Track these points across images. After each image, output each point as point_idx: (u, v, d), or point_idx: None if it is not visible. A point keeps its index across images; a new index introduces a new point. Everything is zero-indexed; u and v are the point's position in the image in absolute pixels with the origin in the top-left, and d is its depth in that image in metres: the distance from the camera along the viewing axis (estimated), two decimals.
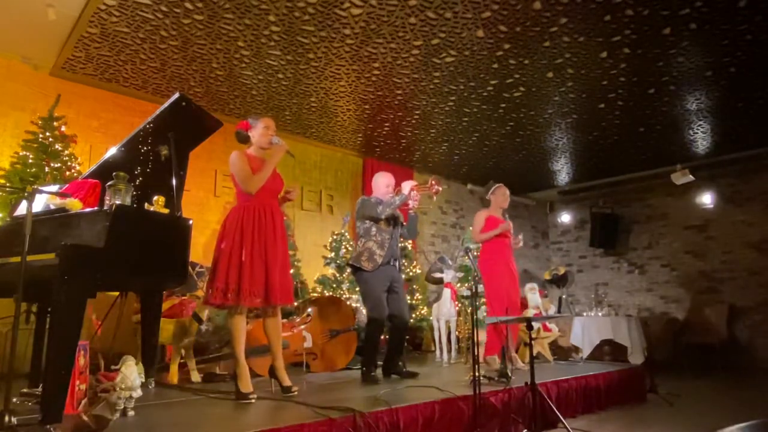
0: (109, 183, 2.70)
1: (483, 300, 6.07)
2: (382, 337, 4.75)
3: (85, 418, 2.14)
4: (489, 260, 4.74)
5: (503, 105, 5.93)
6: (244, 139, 3.33)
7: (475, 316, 3.18)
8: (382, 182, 4.28)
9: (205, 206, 5.99)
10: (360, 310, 5.54)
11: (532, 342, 3.62)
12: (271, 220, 3.15)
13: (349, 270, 6.09)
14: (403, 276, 4.85)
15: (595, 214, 9.20)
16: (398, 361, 4.17)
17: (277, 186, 3.32)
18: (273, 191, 3.27)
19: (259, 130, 3.25)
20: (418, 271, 7.20)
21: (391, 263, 4.11)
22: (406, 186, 4.07)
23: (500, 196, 4.89)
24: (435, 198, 4.16)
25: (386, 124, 6.53)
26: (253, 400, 2.95)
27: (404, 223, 4.29)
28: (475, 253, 5.42)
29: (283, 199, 3.40)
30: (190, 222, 2.98)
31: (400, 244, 4.31)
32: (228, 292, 2.97)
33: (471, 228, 7.17)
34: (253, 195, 3.13)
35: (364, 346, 4.10)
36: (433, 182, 4.00)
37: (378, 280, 4.01)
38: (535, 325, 5.20)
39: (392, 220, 4.17)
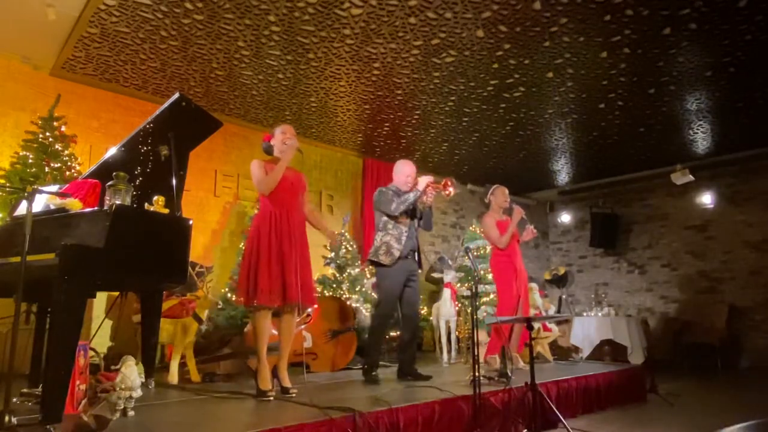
0: (109, 183, 2.71)
1: (482, 300, 6.09)
2: (392, 333, 4.70)
3: (85, 418, 2.14)
4: (500, 262, 4.75)
5: (503, 105, 5.93)
6: (268, 150, 3.46)
7: (475, 316, 3.18)
8: (403, 171, 4.20)
9: (205, 206, 5.98)
10: (360, 310, 5.54)
11: (532, 342, 3.62)
12: (287, 222, 3.22)
13: (348, 270, 6.10)
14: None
15: (595, 214, 9.19)
16: (413, 358, 4.10)
17: (297, 187, 3.36)
18: (293, 192, 3.32)
19: (278, 137, 3.41)
20: (419, 271, 7.18)
21: (409, 256, 4.09)
22: (422, 182, 4.03)
23: (500, 196, 4.91)
24: (448, 197, 4.16)
25: (386, 124, 6.53)
26: (271, 398, 3.00)
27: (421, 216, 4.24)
28: (475, 253, 5.43)
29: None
30: (190, 222, 2.98)
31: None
32: (248, 292, 3.10)
33: (473, 230, 7.22)
34: (271, 198, 3.24)
35: (368, 341, 4.05)
36: (449, 183, 4.00)
37: (396, 276, 4.00)
38: (535, 325, 5.21)
39: (410, 213, 4.11)
